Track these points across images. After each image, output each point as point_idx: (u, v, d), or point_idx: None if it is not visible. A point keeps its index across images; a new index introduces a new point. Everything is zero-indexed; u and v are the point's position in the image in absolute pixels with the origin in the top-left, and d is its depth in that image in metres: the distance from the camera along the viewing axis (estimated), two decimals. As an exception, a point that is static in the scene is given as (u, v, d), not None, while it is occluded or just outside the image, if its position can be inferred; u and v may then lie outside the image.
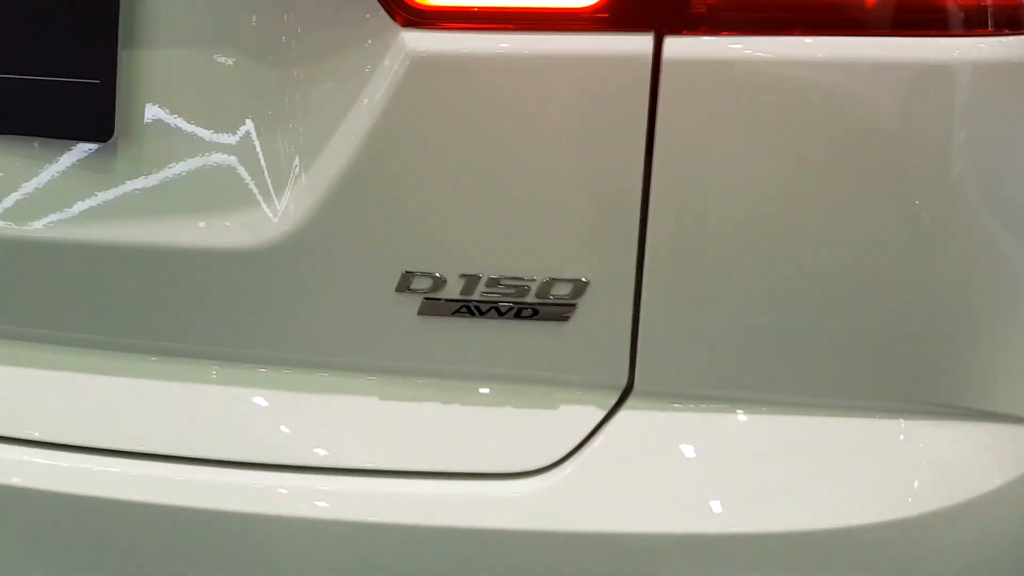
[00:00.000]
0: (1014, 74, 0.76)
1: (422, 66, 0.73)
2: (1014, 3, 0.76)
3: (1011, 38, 0.76)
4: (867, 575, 0.82)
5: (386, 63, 0.74)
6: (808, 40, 0.72)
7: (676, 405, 0.82)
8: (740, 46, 0.72)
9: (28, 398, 0.86)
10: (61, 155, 0.82)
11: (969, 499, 0.83)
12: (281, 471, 0.82)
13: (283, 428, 0.84)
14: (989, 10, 0.74)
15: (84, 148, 0.81)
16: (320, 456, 0.82)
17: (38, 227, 0.83)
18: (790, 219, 0.76)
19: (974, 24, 0.74)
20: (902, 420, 0.84)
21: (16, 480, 0.82)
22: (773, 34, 0.73)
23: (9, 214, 0.83)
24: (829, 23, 0.72)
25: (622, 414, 0.82)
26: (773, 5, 0.72)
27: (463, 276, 0.78)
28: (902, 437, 0.84)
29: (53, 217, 0.83)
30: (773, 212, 0.76)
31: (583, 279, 0.78)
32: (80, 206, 0.83)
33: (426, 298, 0.79)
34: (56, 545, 0.84)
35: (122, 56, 0.79)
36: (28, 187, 0.83)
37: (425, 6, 0.73)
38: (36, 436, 0.84)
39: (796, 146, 0.75)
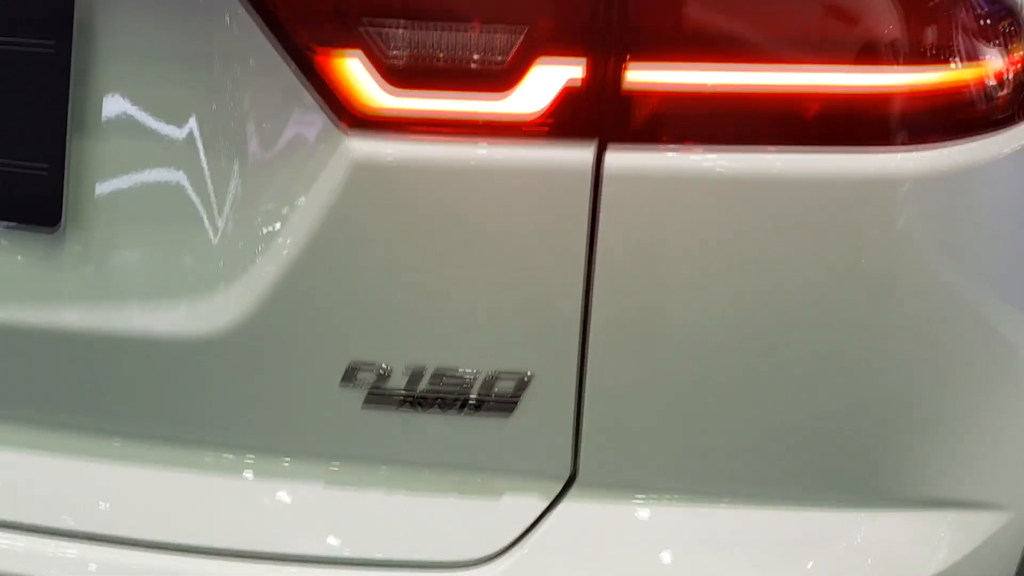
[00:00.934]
0: (946, 183, 0.78)
1: (366, 170, 0.74)
2: (945, 114, 0.78)
3: (943, 149, 0.77)
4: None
5: (331, 165, 0.75)
6: (742, 152, 0.74)
7: (619, 496, 0.83)
8: (678, 156, 0.74)
9: None
10: (9, 240, 0.82)
11: None
12: (217, 556, 0.82)
13: (223, 513, 0.84)
14: (920, 123, 0.76)
15: (33, 234, 0.82)
16: (259, 542, 0.82)
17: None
18: (724, 319, 0.78)
19: (908, 137, 0.76)
20: (840, 512, 0.85)
21: None
22: (709, 144, 0.74)
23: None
24: (761, 136, 0.74)
25: (565, 504, 0.83)
26: (711, 118, 0.74)
27: (408, 369, 0.79)
28: (841, 529, 0.85)
29: (2, 300, 0.83)
30: (709, 312, 0.78)
31: (527, 373, 0.79)
32: (28, 290, 0.83)
33: (371, 391, 0.80)
34: None
35: (71, 143, 0.79)
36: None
37: (370, 113, 0.73)
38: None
39: (730, 250, 0.76)
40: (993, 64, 0.83)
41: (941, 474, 0.88)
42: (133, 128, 0.80)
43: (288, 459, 0.84)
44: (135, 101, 0.79)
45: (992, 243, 0.86)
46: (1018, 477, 0.95)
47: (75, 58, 0.78)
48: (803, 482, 0.84)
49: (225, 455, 0.85)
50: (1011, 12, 0.89)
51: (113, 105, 0.79)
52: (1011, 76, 0.86)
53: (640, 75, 0.72)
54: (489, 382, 0.79)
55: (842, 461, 0.85)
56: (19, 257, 0.82)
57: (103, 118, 0.79)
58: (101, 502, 0.84)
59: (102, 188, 0.80)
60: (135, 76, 0.79)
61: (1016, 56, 0.88)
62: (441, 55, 0.72)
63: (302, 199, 0.76)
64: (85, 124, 0.79)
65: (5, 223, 0.82)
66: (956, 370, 0.86)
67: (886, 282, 0.79)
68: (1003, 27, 0.86)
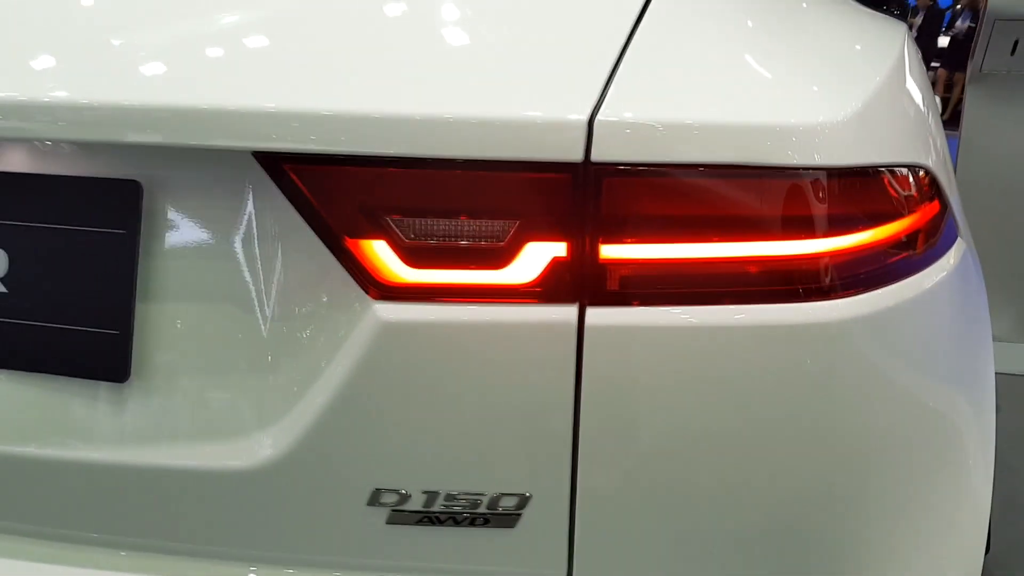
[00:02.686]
0: (873, 321, 0.94)
1: (390, 329, 0.90)
2: (867, 266, 0.94)
3: (868, 295, 0.94)
4: None
5: (361, 326, 0.90)
6: (694, 307, 0.90)
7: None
8: (644, 312, 0.90)
9: None
10: (86, 390, 0.97)
11: None
12: None
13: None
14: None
15: (105, 385, 0.96)
16: None
17: (65, 449, 0.97)
18: (689, 440, 0.93)
19: (834, 289, 0.92)
20: None
21: None
22: (669, 303, 0.90)
23: (40, 438, 0.97)
24: (710, 296, 0.90)
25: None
26: (669, 282, 0.90)
27: (425, 492, 0.94)
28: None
29: (77, 441, 0.97)
30: (676, 436, 0.93)
31: (527, 493, 0.94)
32: (98, 432, 0.97)
33: (393, 510, 0.94)
34: None
35: (138, 309, 0.94)
36: (57, 417, 0.97)
37: (393, 284, 0.89)
38: None
39: (690, 384, 0.91)
40: (906, 219, 1.00)
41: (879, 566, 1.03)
42: (189, 296, 0.95)
43: (322, 570, 0.98)
44: (191, 274, 0.95)
45: (916, 364, 1.02)
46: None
47: (141, 241, 0.94)
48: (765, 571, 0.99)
49: (266, 569, 0.98)
50: (921, 166, 1.06)
51: (173, 278, 0.95)
52: (924, 226, 1.04)
53: (610, 251, 0.89)
54: (494, 501, 0.94)
55: (795, 556, 0.99)
56: (91, 404, 0.97)
57: (164, 289, 0.95)
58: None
59: (163, 347, 0.95)
60: (191, 253, 0.95)
61: (927, 207, 1.06)
62: (450, 238, 0.88)
63: (336, 354, 0.91)
64: (149, 294, 0.95)
65: (81, 379, 0.97)
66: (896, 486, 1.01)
67: (825, 406, 0.94)
68: (916, 181, 1.04)
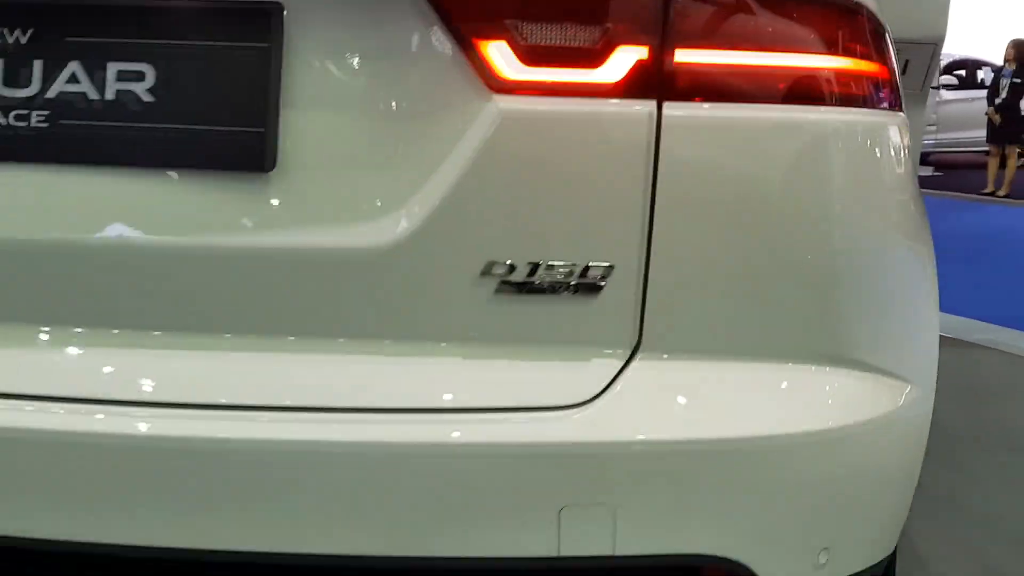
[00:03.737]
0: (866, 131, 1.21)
1: (507, 119, 1.09)
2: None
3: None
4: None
5: (481, 117, 1.09)
6: (745, 105, 1.14)
7: (671, 357, 1.18)
8: (709, 108, 1.13)
9: (202, 369, 1.12)
10: (232, 183, 1.12)
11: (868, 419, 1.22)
12: (388, 413, 1.12)
13: (391, 382, 1.13)
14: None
15: (251, 177, 1.11)
16: (416, 399, 1.12)
17: (213, 237, 1.11)
18: (747, 226, 1.16)
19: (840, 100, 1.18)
20: (808, 366, 1.22)
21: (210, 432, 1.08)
22: (727, 101, 1.14)
23: (190, 230, 1.11)
24: (757, 96, 1.14)
25: (635, 364, 1.17)
26: (728, 83, 1.14)
27: (528, 263, 1.12)
28: (810, 378, 1.22)
29: (224, 230, 1.12)
30: (738, 219, 1.15)
31: (610, 264, 1.14)
32: (246, 221, 1.12)
33: (501, 281, 1.12)
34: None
35: (281, 111, 1.11)
36: (205, 209, 1.12)
37: (509, 81, 1.10)
38: (224, 400, 1.11)
39: (740, 167, 1.15)
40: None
41: (871, 347, 1.27)
42: (326, 96, 1.12)
43: (439, 340, 1.14)
44: (328, 77, 1.12)
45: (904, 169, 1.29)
46: (920, 362, 1.36)
47: (285, 51, 1.10)
48: (789, 343, 1.21)
49: (386, 341, 1.14)
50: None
51: (311, 80, 1.11)
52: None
53: (683, 55, 1.12)
54: (584, 271, 1.13)
55: (812, 331, 1.23)
56: (236, 195, 1.12)
57: (303, 90, 1.11)
58: (307, 381, 1.13)
59: (302, 141, 1.12)
60: (329, 58, 1.12)
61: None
62: (557, 41, 1.09)
63: (459, 142, 1.10)
64: (289, 96, 1.11)
65: (229, 171, 1.11)
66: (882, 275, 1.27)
67: (847, 194, 1.20)
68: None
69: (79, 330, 1.14)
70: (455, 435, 1.11)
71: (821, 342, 1.23)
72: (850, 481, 1.24)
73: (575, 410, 1.14)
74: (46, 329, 1.15)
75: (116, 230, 1.13)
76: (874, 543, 1.33)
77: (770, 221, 1.17)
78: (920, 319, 1.36)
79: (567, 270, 1.13)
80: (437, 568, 1.14)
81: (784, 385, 1.21)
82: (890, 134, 1.28)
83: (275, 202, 1.12)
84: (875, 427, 1.26)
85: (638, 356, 1.17)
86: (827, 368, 1.23)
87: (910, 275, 1.34)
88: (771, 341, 1.21)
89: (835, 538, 1.25)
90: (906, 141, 1.34)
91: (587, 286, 1.14)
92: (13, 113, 1.10)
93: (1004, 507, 2.77)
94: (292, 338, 1.14)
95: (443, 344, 1.15)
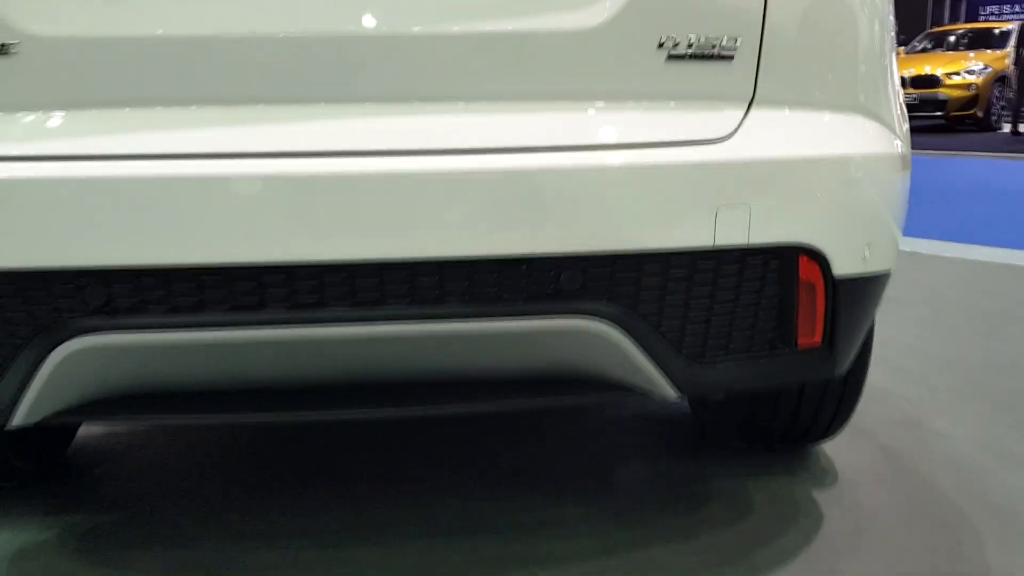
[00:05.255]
0: None
1: None
2: None
3: None
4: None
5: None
6: None
7: (777, 107, 1.70)
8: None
9: (452, 122, 1.56)
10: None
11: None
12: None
13: (605, 127, 1.61)
14: None
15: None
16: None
17: (462, 25, 1.54)
18: (828, 14, 1.69)
19: None
20: (861, 116, 1.78)
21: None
22: None
23: (445, 16, 1.54)
24: None
25: (753, 111, 1.68)
26: None
27: (688, 36, 1.61)
28: (863, 121, 1.78)
29: (471, 17, 1.55)
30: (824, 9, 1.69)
31: (737, 38, 1.64)
32: (493, 6, 1.56)
33: (670, 52, 1.61)
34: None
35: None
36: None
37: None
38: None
39: None
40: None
41: (888, 109, 1.85)
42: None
43: (626, 98, 1.62)
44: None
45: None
46: (902, 121, 1.95)
47: None
48: (848, 100, 1.76)
49: (597, 102, 1.61)
50: None
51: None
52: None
53: None
54: (722, 43, 1.63)
55: (860, 92, 1.78)
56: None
57: None
58: (533, 129, 1.58)
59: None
60: None
61: None
62: None
63: None
64: None
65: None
66: None
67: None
68: None
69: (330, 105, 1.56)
70: (650, 158, 1.60)
71: (866, 100, 1.79)
72: (883, 194, 1.81)
73: (721, 142, 1.65)
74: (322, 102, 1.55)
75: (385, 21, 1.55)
76: (886, 252, 1.91)
77: (843, 16, 1.71)
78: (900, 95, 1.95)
79: (713, 42, 1.63)
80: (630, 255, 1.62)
81: (845, 126, 1.77)
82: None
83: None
84: (893, 159, 1.83)
85: (755, 104, 1.69)
86: (867, 119, 1.80)
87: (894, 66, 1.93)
88: (837, 97, 1.76)
89: (872, 240, 1.83)
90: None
91: (723, 55, 1.64)
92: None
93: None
94: (518, 100, 1.59)
95: (630, 102, 1.63)
